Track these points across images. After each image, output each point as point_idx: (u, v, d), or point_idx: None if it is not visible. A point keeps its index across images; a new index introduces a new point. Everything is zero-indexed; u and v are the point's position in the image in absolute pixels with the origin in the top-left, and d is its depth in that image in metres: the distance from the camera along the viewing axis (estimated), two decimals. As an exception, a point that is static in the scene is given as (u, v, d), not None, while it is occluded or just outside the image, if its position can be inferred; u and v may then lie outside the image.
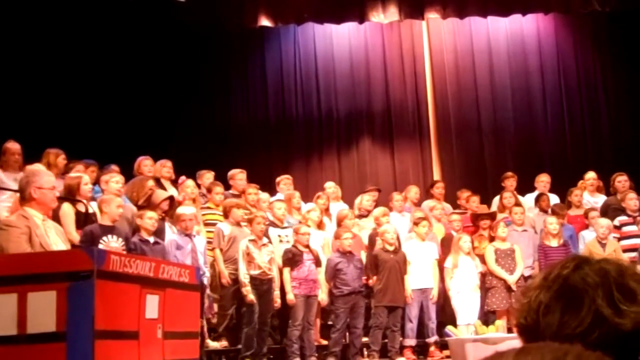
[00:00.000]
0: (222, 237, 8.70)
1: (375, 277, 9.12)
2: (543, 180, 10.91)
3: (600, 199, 10.57)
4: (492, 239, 9.58)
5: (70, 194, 7.22)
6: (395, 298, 9.05)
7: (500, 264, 9.25)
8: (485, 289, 9.26)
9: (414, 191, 10.86)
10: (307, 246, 8.85)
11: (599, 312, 1.23)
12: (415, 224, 9.54)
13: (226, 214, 8.98)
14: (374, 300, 9.15)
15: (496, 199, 10.86)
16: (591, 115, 13.25)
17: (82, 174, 7.75)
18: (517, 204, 10.19)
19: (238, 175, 10.16)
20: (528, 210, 10.39)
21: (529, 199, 10.73)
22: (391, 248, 9.14)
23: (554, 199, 10.66)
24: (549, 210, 10.12)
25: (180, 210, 8.27)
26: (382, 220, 9.57)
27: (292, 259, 8.70)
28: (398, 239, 9.41)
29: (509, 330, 8.48)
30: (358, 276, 8.98)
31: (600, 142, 13.14)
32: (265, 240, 8.62)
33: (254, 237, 8.51)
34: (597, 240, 9.31)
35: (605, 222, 9.42)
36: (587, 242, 9.40)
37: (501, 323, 8.62)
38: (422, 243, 9.41)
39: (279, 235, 9.10)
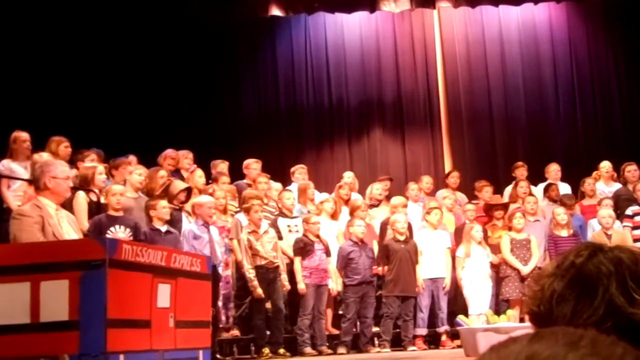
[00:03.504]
0: (240, 228, 8.71)
1: (386, 267, 9.13)
2: (554, 169, 10.84)
3: (616, 188, 10.51)
4: (509, 228, 9.55)
5: (85, 184, 7.27)
6: (406, 288, 9.06)
7: (515, 254, 9.24)
8: (499, 278, 9.25)
9: (425, 181, 10.85)
10: (318, 236, 8.86)
11: (612, 301, 1.22)
12: (427, 213, 9.54)
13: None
14: (385, 290, 9.16)
15: (508, 189, 10.83)
16: (603, 104, 13.17)
17: (96, 164, 7.83)
18: (530, 193, 10.17)
19: (252, 165, 10.20)
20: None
21: (538, 189, 10.68)
22: (402, 238, 9.13)
23: (565, 189, 10.61)
24: (559, 201, 10.10)
25: (197, 199, 8.31)
26: (400, 211, 9.55)
27: (303, 249, 8.72)
28: (410, 228, 9.40)
29: (521, 320, 8.47)
30: (369, 266, 9.00)
31: (613, 131, 13.08)
32: (264, 227, 8.61)
33: (252, 228, 8.49)
34: (602, 231, 9.27)
35: (606, 212, 9.38)
36: (594, 233, 9.36)
37: (513, 312, 8.62)
38: (434, 232, 9.42)
39: (288, 225, 9.10)
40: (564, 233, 9.32)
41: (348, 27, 13.20)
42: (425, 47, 13.17)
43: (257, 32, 13.01)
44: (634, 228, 9.58)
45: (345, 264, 8.92)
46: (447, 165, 12.75)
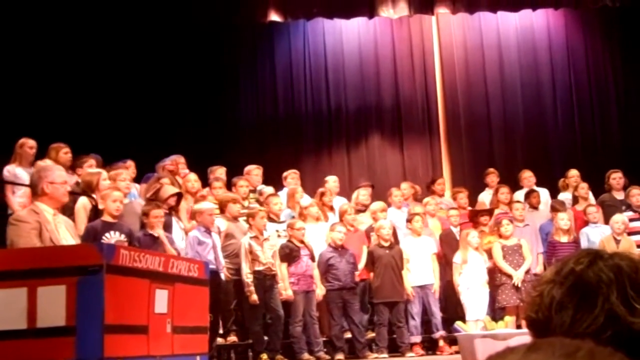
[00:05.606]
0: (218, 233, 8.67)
1: (372, 274, 9.11)
2: (527, 177, 10.85)
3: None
4: (498, 235, 9.54)
5: (89, 190, 7.25)
6: (393, 294, 9.02)
7: (508, 260, 9.23)
8: (494, 286, 9.23)
9: (403, 187, 10.77)
10: (302, 241, 8.83)
11: (612, 310, 1.21)
12: (409, 220, 9.52)
13: (222, 209, 8.94)
14: (374, 298, 9.14)
15: (482, 196, 10.81)
16: (601, 110, 13.20)
17: (101, 170, 7.81)
18: (512, 200, 10.17)
19: (254, 171, 10.18)
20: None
21: (518, 196, 10.66)
22: (386, 244, 9.11)
23: (544, 194, 10.62)
24: (549, 207, 10.11)
25: (199, 206, 8.30)
26: (379, 215, 9.54)
27: (289, 255, 8.68)
28: (395, 234, 9.37)
29: (518, 327, 8.46)
30: (350, 271, 8.92)
31: (610, 137, 13.09)
32: (266, 234, 8.60)
33: (254, 233, 8.48)
34: (612, 236, 9.26)
35: (620, 217, 9.38)
36: (602, 238, 9.34)
37: (510, 319, 8.60)
38: (419, 238, 9.39)
39: (277, 230, 9.02)
40: (564, 239, 9.29)
41: (347, 33, 13.20)
42: (423, 53, 13.18)
43: (256, 37, 13.01)
44: (630, 234, 9.57)
45: (326, 269, 8.89)
46: (445, 171, 12.75)
